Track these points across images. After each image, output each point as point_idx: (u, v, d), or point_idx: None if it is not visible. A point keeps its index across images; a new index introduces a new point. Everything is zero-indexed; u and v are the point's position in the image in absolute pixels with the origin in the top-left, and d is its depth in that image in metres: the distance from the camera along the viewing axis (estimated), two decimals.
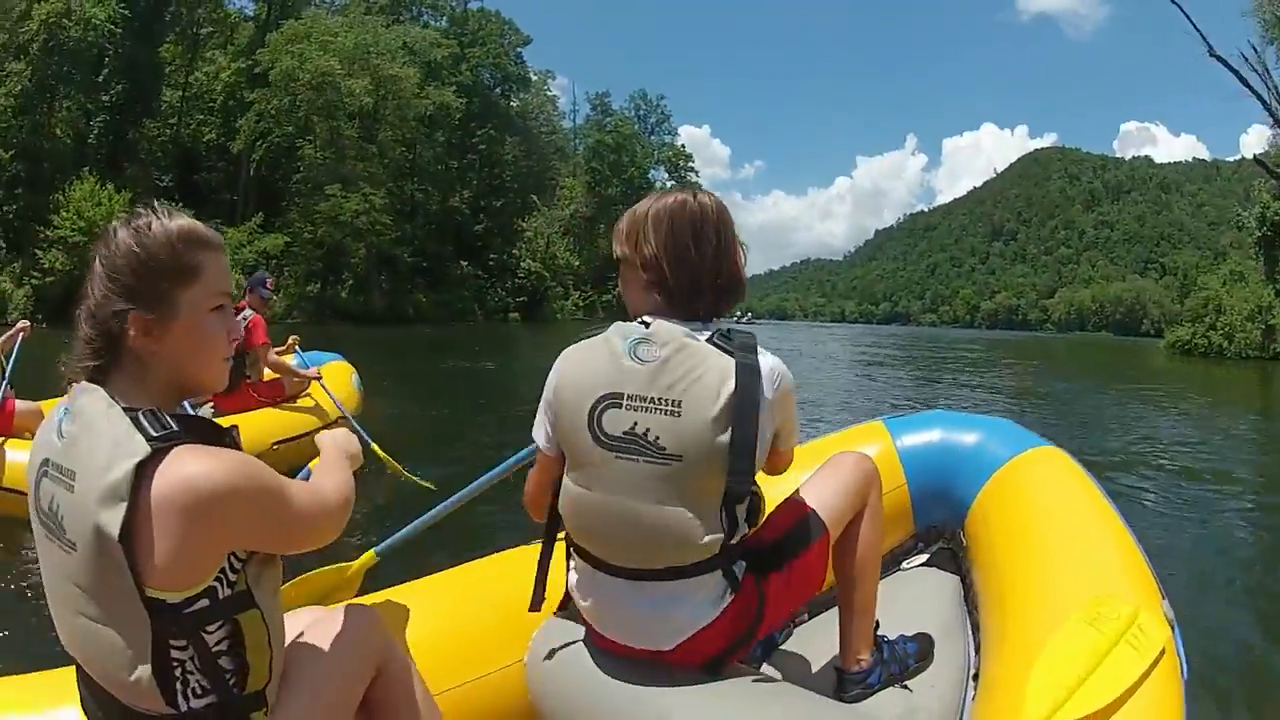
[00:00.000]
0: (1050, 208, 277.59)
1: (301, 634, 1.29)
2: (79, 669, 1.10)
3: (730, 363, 1.30)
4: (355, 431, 3.91)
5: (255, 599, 1.08)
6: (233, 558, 1.05)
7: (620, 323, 1.42)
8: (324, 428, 4.71)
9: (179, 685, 1.02)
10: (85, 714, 1.12)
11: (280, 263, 35.54)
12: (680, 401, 1.30)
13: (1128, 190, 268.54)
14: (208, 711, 1.05)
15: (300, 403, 5.34)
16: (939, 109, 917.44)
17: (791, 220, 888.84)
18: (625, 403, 1.33)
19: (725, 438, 1.28)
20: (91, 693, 1.09)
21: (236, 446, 1.09)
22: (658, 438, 1.30)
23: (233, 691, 1.06)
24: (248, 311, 5.09)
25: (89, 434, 1.03)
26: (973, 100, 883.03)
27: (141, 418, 1.01)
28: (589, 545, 1.43)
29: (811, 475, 1.66)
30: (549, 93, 64.01)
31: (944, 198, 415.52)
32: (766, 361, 1.35)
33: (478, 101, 54.63)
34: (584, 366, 1.39)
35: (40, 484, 1.08)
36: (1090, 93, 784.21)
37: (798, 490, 1.61)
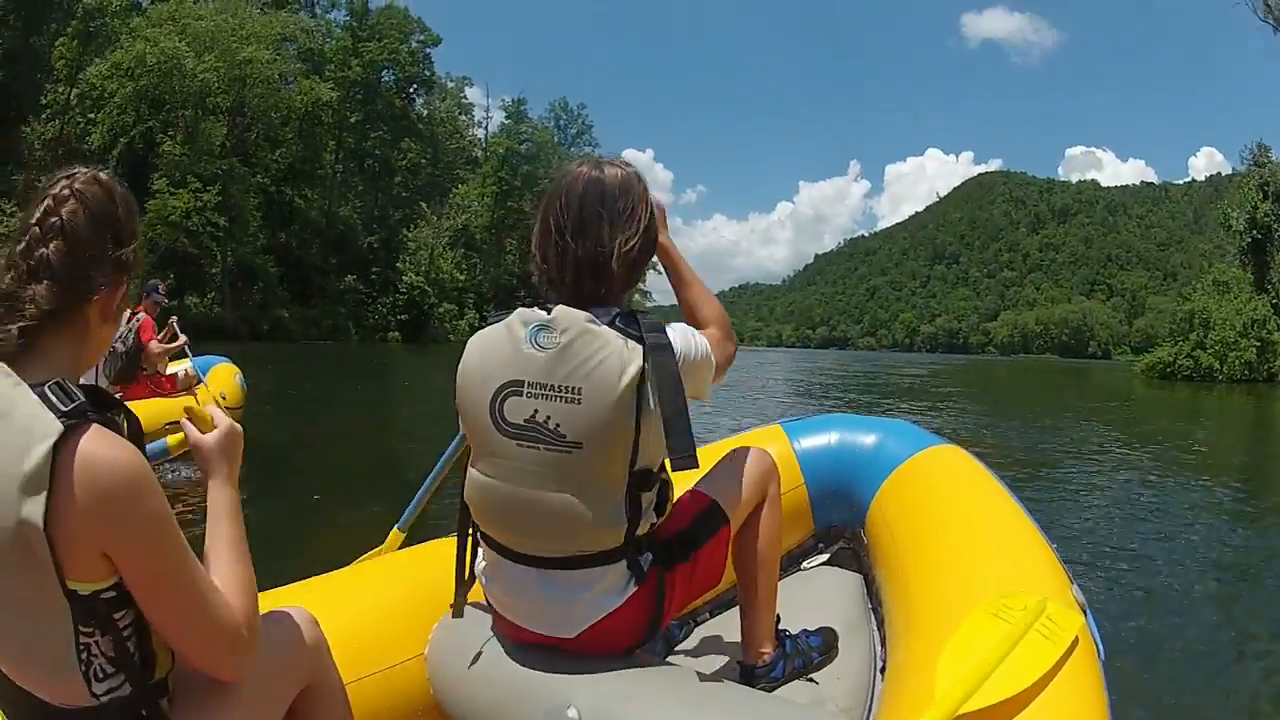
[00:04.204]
0: (994, 231, 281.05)
1: None
2: None
3: (636, 347, 1.29)
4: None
5: None
6: None
7: (523, 309, 1.39)
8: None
9: (89, 673, 0.99)
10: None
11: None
12: (580, 389, 1.29)
13: (1074, 213, 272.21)
14: (120, 700, 1.01)
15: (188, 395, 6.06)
16: (883, 135, 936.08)
17: (731, 245, 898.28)
18: (526, 391, 1.33)
19: (630, 423, 1.29)
20: (3, 693, 1.03)
21: (133, 420, 1.07)
22: (558, 425, 1.30)
23: (141, 677, 1.03)
24: (141, 314, 5.89)
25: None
26: (918, 126, 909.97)
27: (48, 392, 0.94)
28: (494, 533, 1.45)
29: (711, 469, 1.64)
30: (464, 100, 60.08)
31: (886, 222, 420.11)
32: (676, 335, 1.35)
33: (378, 103, 50.68)
34: (486, 356, 1.39)
35: None
36: (1037, 119, 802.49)
37: (699, 483, 1.61)
